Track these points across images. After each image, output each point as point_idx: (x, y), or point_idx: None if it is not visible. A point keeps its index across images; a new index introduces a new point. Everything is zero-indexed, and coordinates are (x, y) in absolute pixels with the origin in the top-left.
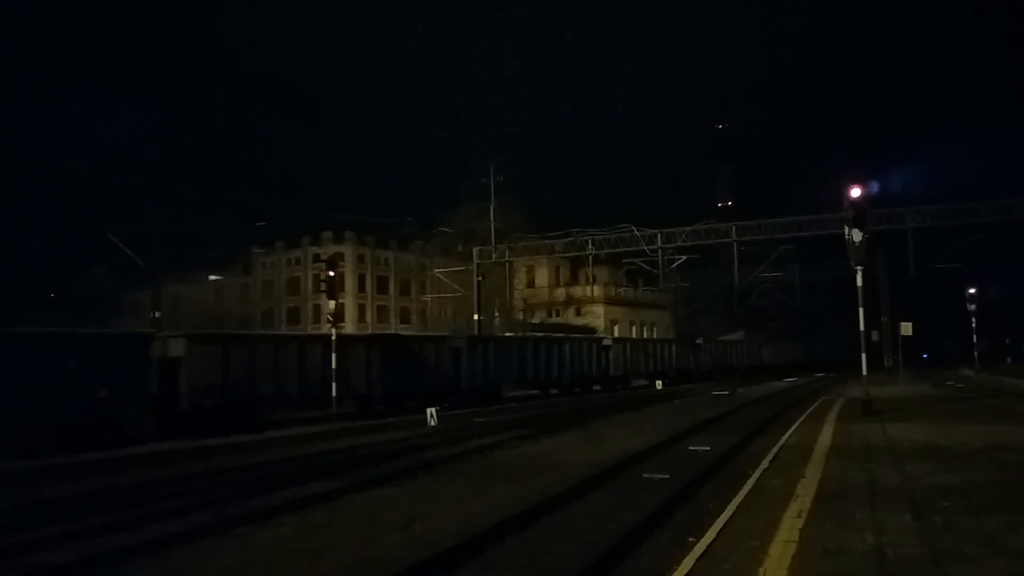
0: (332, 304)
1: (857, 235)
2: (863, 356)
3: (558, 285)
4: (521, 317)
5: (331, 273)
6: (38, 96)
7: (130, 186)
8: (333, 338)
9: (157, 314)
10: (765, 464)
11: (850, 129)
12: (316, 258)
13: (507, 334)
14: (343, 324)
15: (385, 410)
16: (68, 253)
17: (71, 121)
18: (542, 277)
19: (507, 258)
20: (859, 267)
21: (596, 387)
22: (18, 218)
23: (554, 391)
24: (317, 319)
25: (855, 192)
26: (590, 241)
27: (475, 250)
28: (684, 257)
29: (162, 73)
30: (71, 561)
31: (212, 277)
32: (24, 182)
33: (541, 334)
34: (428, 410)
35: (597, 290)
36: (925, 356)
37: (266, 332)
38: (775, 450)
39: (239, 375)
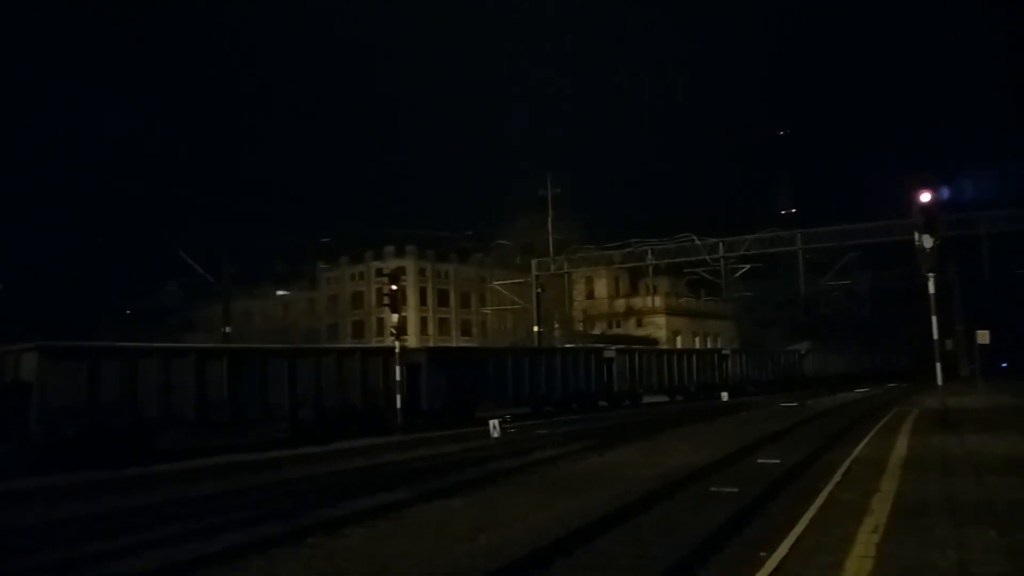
0: (395, 317)
1: (928, 241)
2: (938, 366)
3: (618, 296)
4: (581, 328)
5: (393, 287)
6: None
7: (197, 204)
8: (396, 351)
9: (227, 329)
10: (838, 477)
11: (919, 132)
12: (379, 272)
13: (567, 345)
14: (406, 337)
15: (448, 422)
16: (141, 270)
17: (137, 143)
18: (601, 288)
19: (566, 269)
20: (931, 274)
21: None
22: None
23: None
24: (380, 332)
25: (925, 197)
26: (650, 251)
27: (534, 262)
28: (747, 266)
29: (224, 93)
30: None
31: (279, 292)
32: (98, 202)
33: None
34: (491, 422)
35: (658, 300)
36: (1004, 365)
37: (329, 346)
38: (848, 463)
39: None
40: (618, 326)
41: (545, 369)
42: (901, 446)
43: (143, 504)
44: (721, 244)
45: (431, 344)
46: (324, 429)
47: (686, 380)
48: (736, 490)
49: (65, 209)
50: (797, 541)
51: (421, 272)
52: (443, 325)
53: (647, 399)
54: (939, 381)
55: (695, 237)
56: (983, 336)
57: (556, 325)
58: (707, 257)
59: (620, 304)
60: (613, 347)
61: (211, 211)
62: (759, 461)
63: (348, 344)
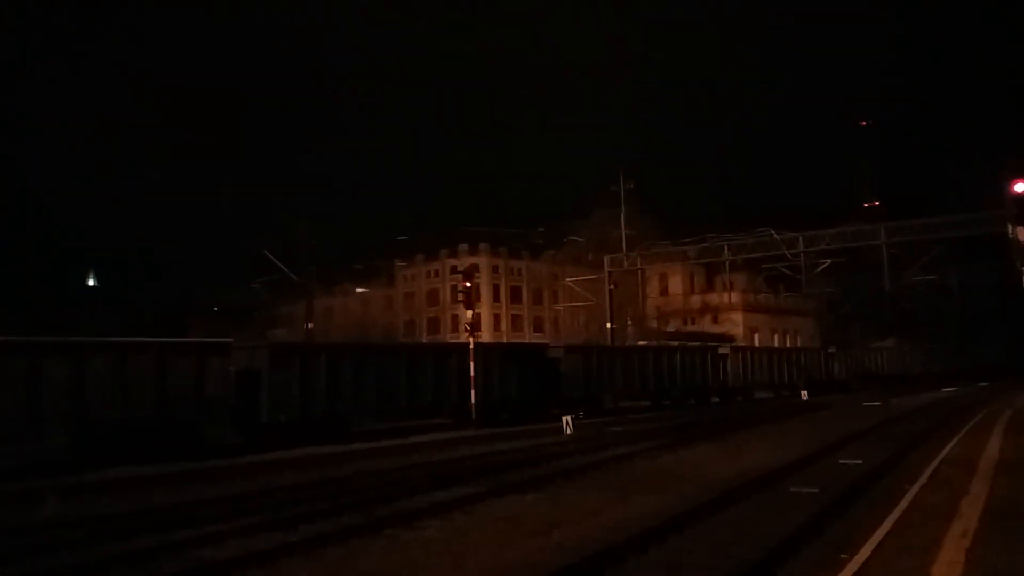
0: (469, 314)
1: (1022, 233)
2: None
3: (693, 292)
4: (655, 325)
5: (468, 284)
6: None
7: (282, 205)
8: (471, 347)
9: (310, 325)
10: (924, 479)
11: (1014, 117)
12: (453, 269)
13: (640, 343)
14: (480, 333)
15: (522, 418)
16: (227, 269)
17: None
18: (676, 284)
19: (639, 266)
20: None
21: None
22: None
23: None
24: (455, 328)
25: (1019, 187)
26: (726, 246)
27: (606, 258)
28: (829, 261)
29: (311, 91)
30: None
31: (358, 289)
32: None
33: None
34: (564, 418)
35: (735, 297)
36: None
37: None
38: (935, 464)
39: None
40: (693, 323)
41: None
42: (993, 447)
43: (227, 494)
44: (801, 238)
45: (504, 340)
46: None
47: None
48: (816, 491)
49: (155, 208)
50: (880, 544)
51: (494, 269)
52: (516, 322)
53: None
54: None
55: (773, 231)
56: None
57: (629, 322)
58: (786, 252)
59: (695, 301)
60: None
61: (295, 211)
62: (841, 462)
63: (432, 341)
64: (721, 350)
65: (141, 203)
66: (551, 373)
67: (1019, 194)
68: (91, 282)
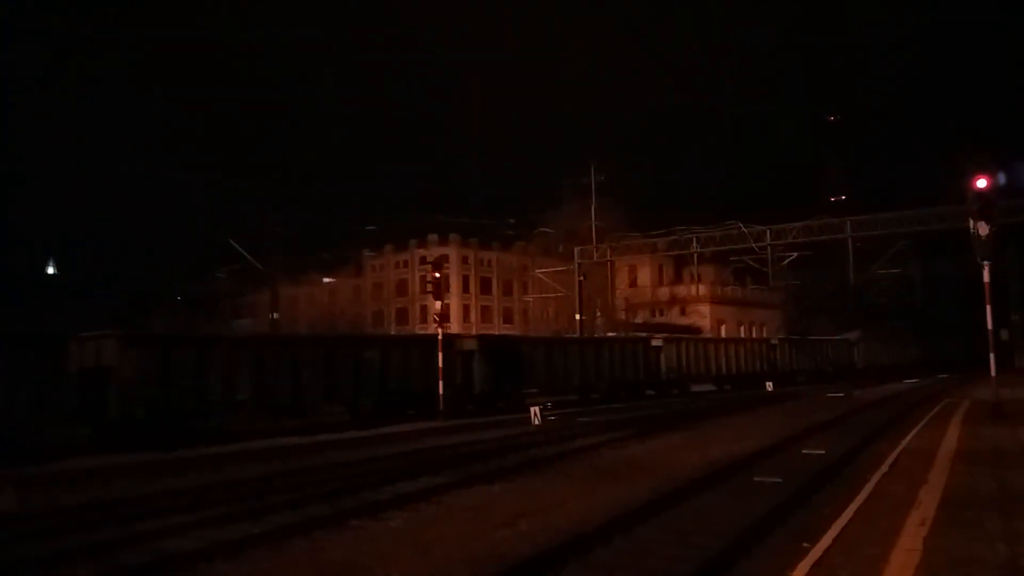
0: (438, 305)
1: (984, 228)
2: (992, 356)
3: (661, 284)
4: (624, 317)
5: (437, 275)
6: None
7: (246, 193)
8: (439, 337)
9: (275, 315)
10: (884, 469)
11: (975, 115)
12: (422, 260)
13: (610, 334)
14: (449, 324)
15: (492, 408)
16: (192, 258)
17: (187, 131)
18: (645, 276)
19: (609, 257)
20: (986, 262)
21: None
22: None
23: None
24: (424, 319)
25: (981, 183)
26: (695, 239)
27: (576, 250)
28: (795, 254)
29: (273, 81)
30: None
31: (325, 279)
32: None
33: (644, 333)
34: (532, 409)
35: (703, 289)
36: None
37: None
38: (895, 454)
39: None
40: (661, 315)
41: (594, 357)
42: (951, 438)
43: (191, 485)
44: (768, 232)
45: (474, 332)
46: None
47: (733, 369)
48: (780, 480)
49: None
50: (841, 532)
51: (464, 260)
52: (486, 313)
53: (695, 388)
54: (992, 372)
55: (741, 225)
56: None
57: (598, 313)
58: (753, 245)
59: (664, 292)
60: (661, 336)
61: (260, 200)
62: (804, 452)
63: (394, 332)
64: (654, 342)
65: (105, 190)
66: (466, 367)
67: (980, 190)
68: (50, 270)
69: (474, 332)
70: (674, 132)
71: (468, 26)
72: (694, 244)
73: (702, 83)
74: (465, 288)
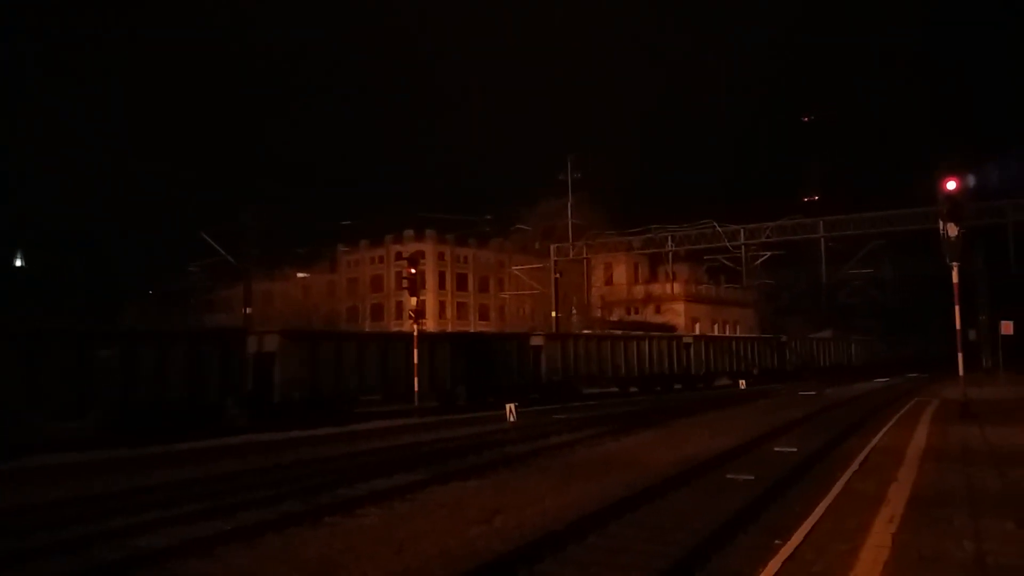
0: (414, 301)
1: (953, 230)
2: (960, 356)
3: (637, 282)
4: (599, 314)
5: (412, 270)
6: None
7: (221, 186)
8: (415, 333)
9: (248, 310)
10: (855, 467)
11: (947, 118)
12: (398, 256)
13: (585, 331)
14: (424, 320)
15: (466, 405)
16: (164, 252)
17: (159, 128)
18: (620, 274)
19: (585, 255)
20: (955, 263)
21: (677, 385)
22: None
23: (633, 389)
24: (399, 315)
25: (951, 185)
26: (670, 238)
27: (552, 247)
28: (768, 254)
29: (249, 74)
30: (169, 545)
31: (300, 274)
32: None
33: (619, 332)
34: (508, 406)
35: (677, 287)
36: None
37: (355, 331)
38: (865, 452)
39: (328, 370)
40: (636, 312)
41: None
42: (920, 436)
43: (167, 480)
44: (742, 231)
45: (449, 328)
46: None
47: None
48: (752, 478)
49: (87, 189)
50: (812, 529)
51: (440, 256)
52: (461, 309)
53: (587, 391)
54: (960, 372)
55: (716, 224)
56: (1007, 327)
57: (574, 311)
58: (728, 244)
59: (639, 290)
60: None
61: (234, 193)
62: (776, 449)
63: (368, 328)
64: (685, 340)
65: (78, 182)
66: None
67: (950, 192)
68: (18, 262)
69: (449, 329)
70: (652, 131)
71: (444, 24)
72: (669, 243)
73: (682, 83)
74: (441, 284)
